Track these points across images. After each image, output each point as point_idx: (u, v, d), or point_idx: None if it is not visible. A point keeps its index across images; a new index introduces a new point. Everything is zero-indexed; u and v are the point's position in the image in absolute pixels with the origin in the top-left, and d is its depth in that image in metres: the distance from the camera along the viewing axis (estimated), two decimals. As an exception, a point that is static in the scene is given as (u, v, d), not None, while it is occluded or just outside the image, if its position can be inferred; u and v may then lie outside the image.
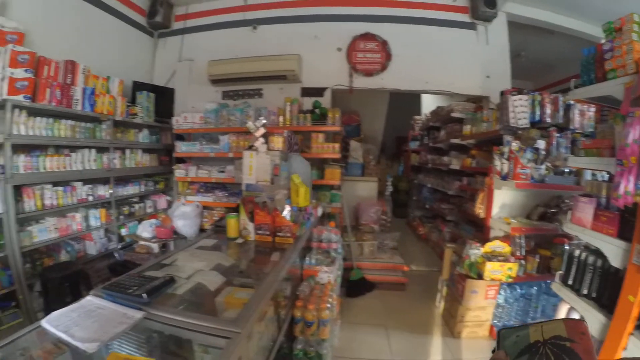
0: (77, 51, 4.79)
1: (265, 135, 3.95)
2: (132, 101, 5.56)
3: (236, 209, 3.01)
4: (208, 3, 6.57)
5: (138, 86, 5.84)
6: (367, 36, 5.92)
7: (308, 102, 5.71)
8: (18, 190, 3.88)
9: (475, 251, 3.69)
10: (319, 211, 4.07)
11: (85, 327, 1.37)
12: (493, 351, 0.56)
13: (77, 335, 1.31)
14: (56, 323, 1.41)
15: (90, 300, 1.61)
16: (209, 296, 1.76)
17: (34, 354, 1.38)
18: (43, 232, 4.13)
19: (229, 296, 1.75)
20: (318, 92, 5.90)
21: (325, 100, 5.83)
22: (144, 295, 1.51)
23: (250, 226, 2.81)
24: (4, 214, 3.70)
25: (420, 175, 8.40)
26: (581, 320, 0.53)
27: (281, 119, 5.25)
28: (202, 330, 1.37)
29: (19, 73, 3.79)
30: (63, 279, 3.76)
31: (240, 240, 2.81)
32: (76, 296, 3.88)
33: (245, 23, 6.28)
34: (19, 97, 3.80)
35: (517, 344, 0.53)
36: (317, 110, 5.28)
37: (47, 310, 3.88)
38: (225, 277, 1.97)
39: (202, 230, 4.72)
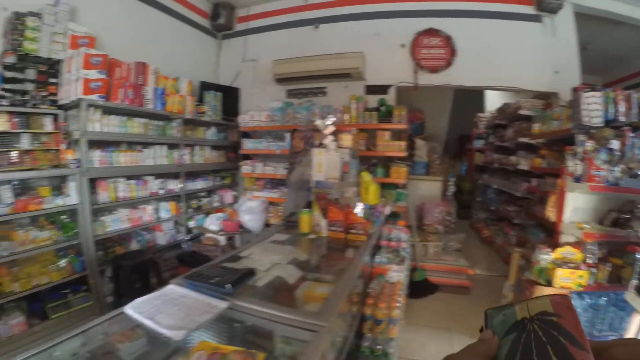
0: (146, 54, 5.01)
1: (334, 133, 3.89)
2: (200, 100, 5.76)
3: (306, 206, 3.02)
4: (269, 4, 6.62)
5: (205, 86, 6.03)
6: (431, 32, 5.70)
7: (372, 100, 5.59)
8: (93, 182, 4.10)
9: (545, 256, 3.40)
10: (387, 210, 3.98)
11: (170, 314, 1.38)
12: (480, 330, 0.55)
13: (162, 323, 1.31)
14: (140, 310, 1.43)
15: (172, 289, 1.64)
16: (289, 289, 1.74)
17: (113, 338, 1.39)
18: (116, 222, 4.34)
19: (309, 290, 1.73)
20: (382, 89, 5.77)
21: (390, 98, 5.68)
22: (228, 285, 1.51)
23: (323, 222, 2.78)
24: (80, 204, 3.92)
25: (484, 175, 8.02)
26: (566, 295, 0.52)
27: (346, 116, 5.17)
28: (285, 322, 1.35)
29: (93, 74, 3.98)
30: (133, 266, 3.94)
31: (312, 236, 2.78)
32: (145, 283, 4.15)
33: (306, 22, 6.27)
34: (94, 97, 4.00)
35: (504, 323, 0.52)
36: (382, 108, 5.16)
37: (116, 296, 4.11)
38: (302, 272, 1.95)
39: (267, 225, 4.90)
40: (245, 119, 5.85)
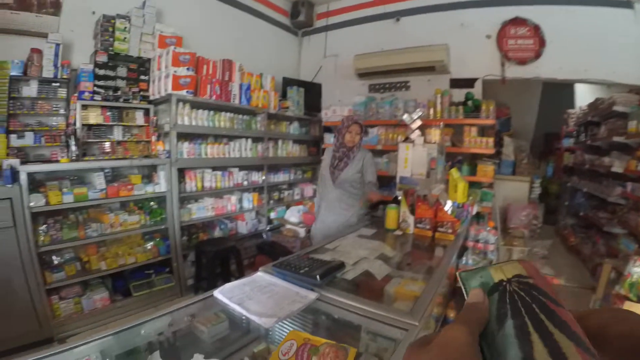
0: (231, 52, 5.24)
1: (421, 128, 3.78)
2: (284, 96, 5.91)
3: (390, 202, 2.96)
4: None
5: (288, 82, 6.13)
6: (517, 21, 5.26)
7: (458, 94, 5.25)
8: (181, 172, 4.32)
9: (638, 270, 3.05)
10: (475, 209, 3.75)
11: (259, 301, 1.39)
12: (452, 293, 0.54)
13: (252, 309, 1.32)
14: (230, 295, 1.44)
15: (261, 276, 1.67)
16: (378, 285, 1.69)
17: (197, 320, 1.41)
18: (201, 210, 4.57)
19: (399, 287, 1.66)
20: (468, 83, 5.44)
21: (476, 92, 5.34)
22: (318, 276, 1.50)
23: (411, 219, 2.68)
24: (168, 192, 4.15)
25: (573, 177, 7.34)
26: (530, 261, 0.52)
27: (431, 111, 4.96)
28: (375, 317, 1.31)
29: (181, 71, 4.17)
30: (215, 252, 4.15)
31: (398, 232, 2.71)
32: (225, 269, 4.40)
33: (387, 16, 6.13)
34: (182, 92, 4.18)
35: (484, 284, 0.50)
36: (469, 102, 4.89)
37: (197, 279, 4.32)
38: (390, 268, 1.88)
39: None
40: (327, 114, 5.88)
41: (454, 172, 3.20)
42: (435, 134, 3.86)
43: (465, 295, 0.50)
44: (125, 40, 4.30)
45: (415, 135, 3.67)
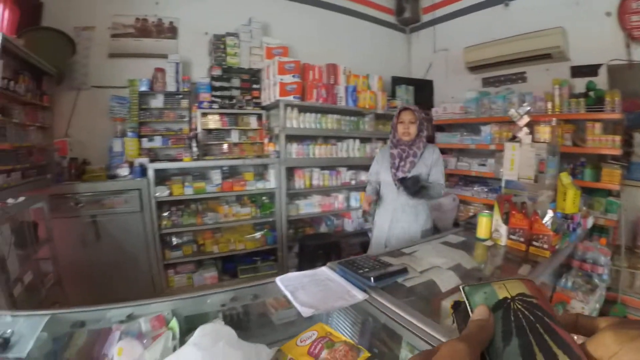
0: (336, 56, 5.44)
1: (529, 124, 3.42)
2: (393, 95, 5.91)
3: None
4: (453, -11, 6.33)
5: (397, 81, 6.14)
6: (639, -8, 4.44)
7: (580, 84, 4.62)
8: (290, 171, 4.74)
9: None
10: (589, 222, 3.11)
11: (310, 293, 1.46)
12: (454, 306, 0.57)
13: (299, 298, 1.39)
14: (287, 282, 1.55)
15: (324, 271, 1.76)
16: (437, 297, 1.59)
17: (266, 302, 1.59)
18: (308, 206, 4.93)
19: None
20: (591, 70, 4.72)
21: (601, 81, 4.59)
22: (372, 279, 1.51)
23: (503, 229, 2.40)
24: (277, 188, 4.62)
25: None
26: (532, 281, 0.53)
27: (549, 105, 4.44)
28: (415, 331, 1.25)
29: (287, 78, 4.57)
30: (318, 247, 4.44)
31: (489, 243, 2.45)
32: (325, 263, 4.43)
33: (495, 2, 5.67)
34: (290, 98, 4.57)
35: (488, 300, 0.51)
36: (591, 94, 4.28)
37: (299, 269, 4.47)
38: (460, 280, 1.77)
39: (456, 224, 4.61)
40: (438, 112, 5.68)
41: (564, 177, 2.82)
42: (544, 132, 3.40)
43: (469, 310, 0.51)
44: (236, 55, 4.98)
45: (523, 133, 3.34)
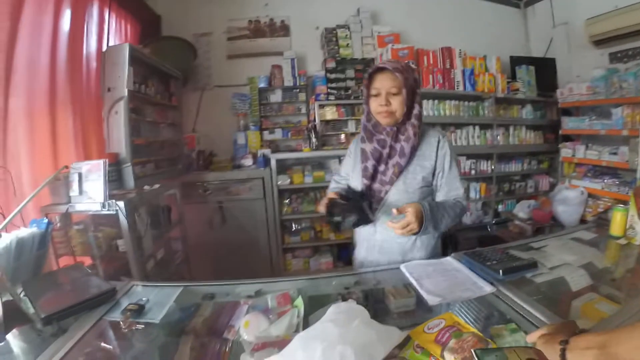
0: (450, 38, 5.41)
1: None
2: (512, 77, 5.65)
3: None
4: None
5: (516, 60, 5.84)
6: None
7: None
8: None
9: None
10: None
11: (436, 282, 1.52)
12: None
13: (425, 286, 1.46)
14: (412, 270, 1.64)
15: (449, 261, 1.79)
16: (567, 296, 1.57)
17: (385, 289, 1.60)
18: None
19: (588, 304, 1.50)
20: None
21: None
22: (500, 271, 1.51)
23: (639, 226, 2.18)
24: None
25: None
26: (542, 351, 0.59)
27: None
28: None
29: None
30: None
31: (623, 241, 2.24)
32: (443, 255, 4.46)
33: None
34: None
35: None
36: None
37: None
38: (592, 280, 1.69)
39: (582, 220, 4.39)
40: (564, 94, 5.20)
41: None
42: None
43: None
44: (348, 46, 5.24)
45: None
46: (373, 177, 1.86)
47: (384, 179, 1.83)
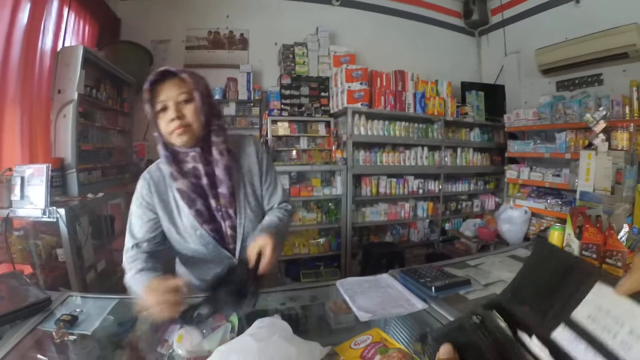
0: (404, 62, 5.70)
1: (606, 130, 3.38)
2: (462, 101, 5.92)
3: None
4: (520, -12, 6.27)
5: (466, 86, 6.16)
6: None
7: None
8: (358, 178, 4.97)
9: None
10: None
11: (369, 298, 1.55)
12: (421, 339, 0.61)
13: (357, 302, 1.49)
14: (347, 287, 1.66)
15: (385, 278, 1.81)
16: None
17: (326, 305, 1.66)
18: (374, 214, 5.12)
19: None
20: None
21: None
22: (433, 288, 1.56)
23: (575, 244, 2.23)
24: (343, 195, 4.84)
25: None
26: None
27: (627, 109, 4.19)
28: None
29: (355, 86, 4.85)
30: (382, 255, 4.56)
31: None
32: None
33: None
34: (357, 105, 4.83)
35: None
36: None
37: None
38: None
39: (526, 238, 4.61)
40: (510, 119, 5.51)
41: (641, 189, 2.68)
42: (622, 139, 3.34)
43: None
44: (305, 64, 5.42)
45: (599, 140, 3.32)
46: (213, 219, 1.55)
47: (229, 213, 1.55)
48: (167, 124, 1.40)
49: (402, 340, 1.31)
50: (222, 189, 1.51)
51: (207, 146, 1.49)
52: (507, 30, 6.49)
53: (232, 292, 1.26)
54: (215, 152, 1.49)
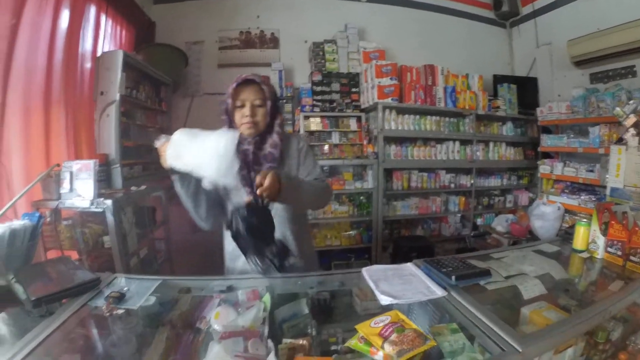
0: (434, 56, 5.74)
1: (637, 125, 3.22)
2: (494, 95, 5.89)
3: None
4: (552, -23, 6.10)
5: (498, 79, 6.09)
6: None
7: None
8: (389, 172, 5.09)
9: None
10: None
11: (391, 284, 1.63)
12: None
13: (380, 287, 1.57)
14: (371, 273, 1.74)
15: (409, 266, 1.90)
16: (517, 303, 1.64)
17: (353, 292, 1.78)
18: (405, 208, 5.24)
19: (536, 311, 1.56)
20: None
21: None
22: (453, 277, 1.62)
23: (601, 240, 2.23)
24: (375, 189, 4.96)
25: None
26: None
27: None
28: (489, 334, 1.30)
29: (385, 81, 4.97)
30: (412, 249, 4.61)
31: (585, 255, 2.32)
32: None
33: None
34: (388, 100, 4.94)
35: None
36: None
37: None
38: (545, 290, 1.76)
39: (559, 236, 4.49)
40: (543, 112, 5.31)
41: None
42: None
43: None
44: (335, 60, 5.56)
45: (630, 135, 3.17)
46: (251, 187, 1.81)
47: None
48: (241, 118, 1.84)
49: (422, 326, 1.32)
50: (267, 166, 1.86)
51: (263, 137, 1.89)
52: (539, 21, 6.34)
53: (252, 231, 1.50)
54: (268, 143, 1.90)
